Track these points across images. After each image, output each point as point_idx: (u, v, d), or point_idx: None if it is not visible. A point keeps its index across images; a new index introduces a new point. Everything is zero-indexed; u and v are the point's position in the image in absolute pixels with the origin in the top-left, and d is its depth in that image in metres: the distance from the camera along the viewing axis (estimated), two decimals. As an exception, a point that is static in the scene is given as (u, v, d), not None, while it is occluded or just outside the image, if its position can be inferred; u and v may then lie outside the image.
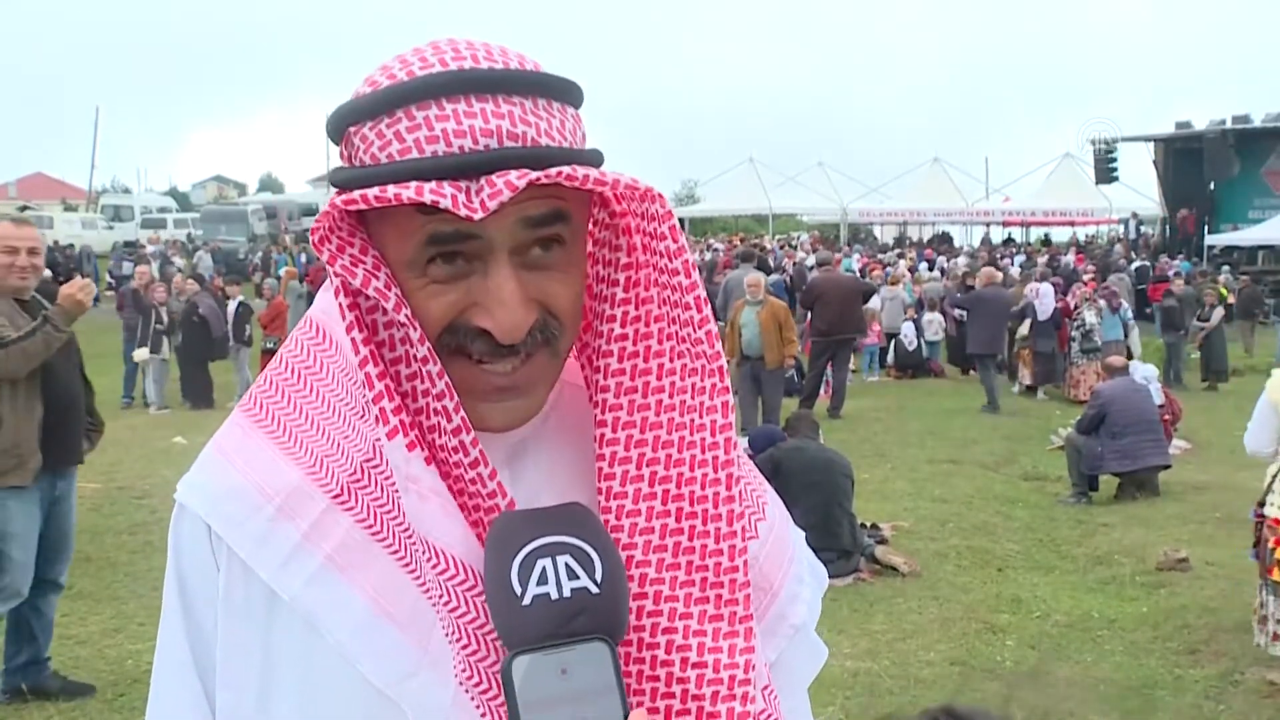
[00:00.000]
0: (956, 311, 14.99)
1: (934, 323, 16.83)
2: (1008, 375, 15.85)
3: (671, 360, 0.86)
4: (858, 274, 19.32)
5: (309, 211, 40.70)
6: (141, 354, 13.75)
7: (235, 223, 36.64)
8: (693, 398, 0.85)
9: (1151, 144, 30.74)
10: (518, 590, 0.76)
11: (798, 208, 38.11)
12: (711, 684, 0.82)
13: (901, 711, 4.70)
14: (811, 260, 20.49)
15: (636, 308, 0.87)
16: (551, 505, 0.83)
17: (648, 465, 0.85)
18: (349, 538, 0.84)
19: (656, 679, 0.83)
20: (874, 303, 15.58)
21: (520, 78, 0.80)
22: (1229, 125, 27.87)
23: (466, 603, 0.81)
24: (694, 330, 0.84)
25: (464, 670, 0.81)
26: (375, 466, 0.86)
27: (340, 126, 0.83)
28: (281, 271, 21.15)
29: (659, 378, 0.86)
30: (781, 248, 28.52)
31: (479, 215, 0.75)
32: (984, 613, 6.10)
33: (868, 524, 7.28)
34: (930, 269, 24.33)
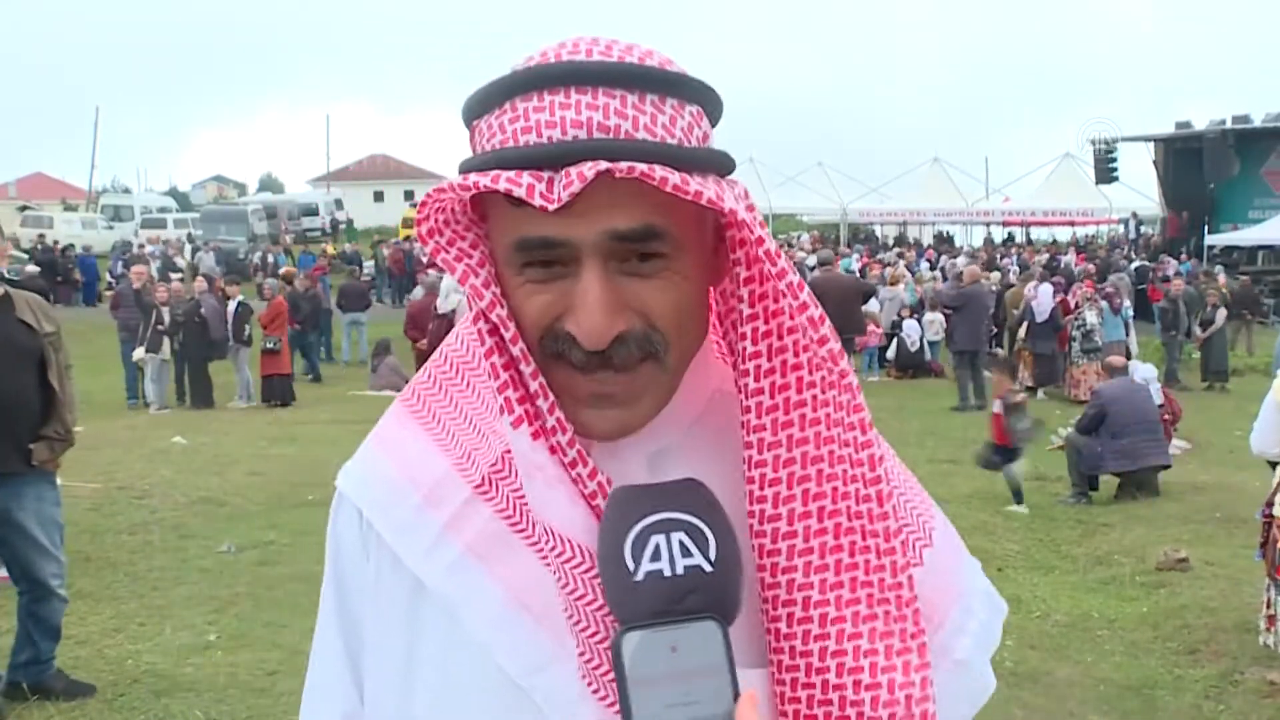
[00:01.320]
0: (945, 310, 15.05)
1: (934, 323, 16.85)
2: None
3: (811, 373, 0.82)
4: (857, 274, 19.36)
5: (309, 211, 40.75)
6: (139, 354, 13.77)
7: (235, 223, 36.61)
8: (835, 412, 0.82)
9: (1151, 144, 30.71)
10: (630, 566, 0.76)
11: (798, 208, 38.07)
12: (888, 705, 0.80)
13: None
14: (812, 260, 20.48)
15: (766, 321, 0.83)
16: (668, 481, 0.81)
17: (799, 484, 0.82)
18: (487, 528, 0.86)
19: (829, 702, 0.81)
20: (872, 304, 15.60)
21: (624, 70, 0.77)
22: (1229, 125, 27.85)
23: (590, 588, 0.80)
24: (818, 347, 0.82)
25: (585, 655, 0.80)
26: (513, 456, 0.86)
27: (467, 121, 0.83)
28: (281, 271, 21.13)
29: (799, 391, 0.82)
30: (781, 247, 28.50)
31: (553, 206, 0.73)
32: (984, 613, 6.09)
33: (868, 524, 7.28)
34: (931, 269, 24.35)
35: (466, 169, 0.79)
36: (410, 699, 0.87)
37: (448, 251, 0.82)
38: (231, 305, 14.78)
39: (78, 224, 35.30)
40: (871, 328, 16.51)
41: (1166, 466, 9.06)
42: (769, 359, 0.83)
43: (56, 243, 29.10)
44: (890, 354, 16.88)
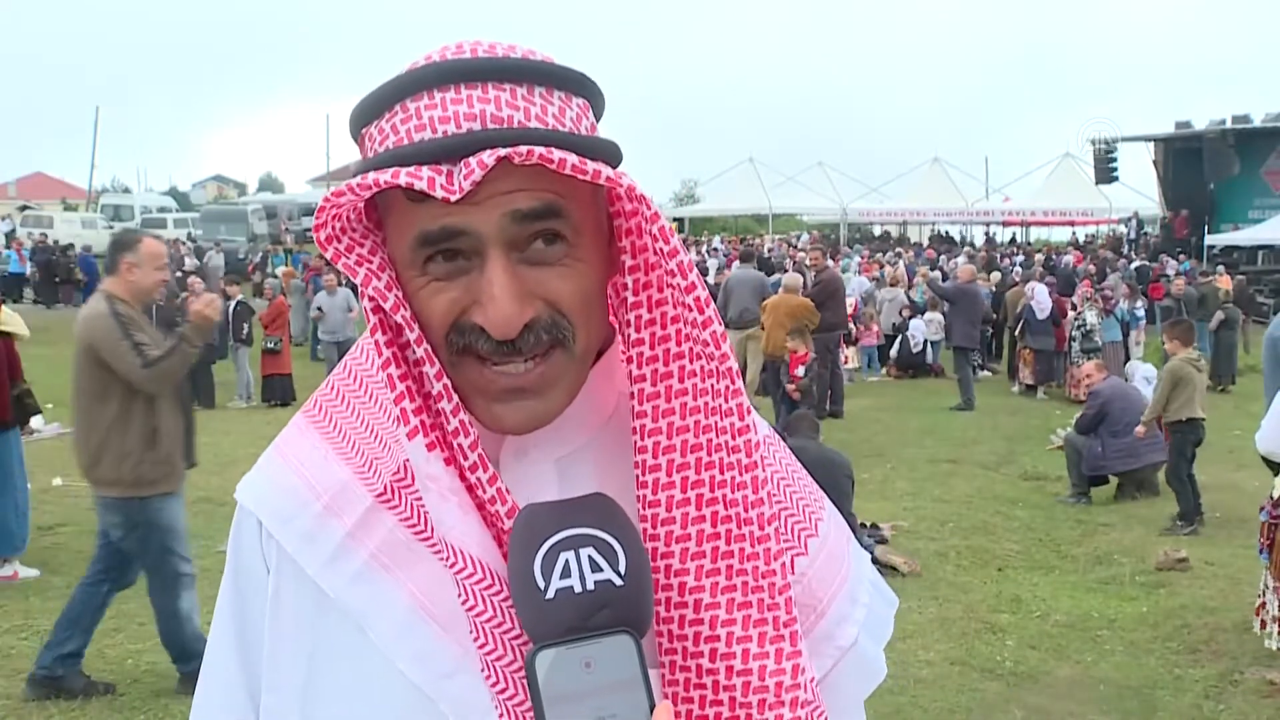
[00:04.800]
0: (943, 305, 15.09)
1: (934, 322, 16.83)
2: (1007, 375, 15.87)
3: (691, 362, 0.83)
4: (855, 274, 19.41)
5: (309, 211, 40.65)
6: None
7: (235, 223, 36.63)
8: (714, 399, 0.82)
9: (1151, 144, 30.74)
10: (540, 584, 0.76)
11: (798, 207, 38.14)
12: (758, 691, 0.80)
13: (902, 712, 4.70)
14: (807, 260, 20.46)
15: (650, 310, 0.84)
16: (575, 496, 0.81)
17: (678, 471, 0.83)
18: (392, 537, 0.86)
19: (704, 686, 0.81)
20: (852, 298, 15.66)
21: (513, 64, 0.78)
22: (1229, 125, 27.88)
23: (485, 602, 0.80)
24: (700, 331, 0.82)
25: (485, 672, 0.80)
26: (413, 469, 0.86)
27: (356, 129, 0.83)
28: (279, 270, 21.10)
29: (681, 380, 0.83)
30: (780, 246, 28.48)
31: (455, 196, 0.74)
32: (984, 613, 6.10)
33: (868, 524, 7.28)
34: (932, 269, 24.34)
35: (361, 173, 0.78)
36: (313, 712, 0.86)
37: (348, 257, 0.81)
38: (230, 305, 14.77)
39: (78, 224, 35.27)
40: (872, 326, 16.52)
41: (1165, 462, 9.04)
42: (651, 347, 0.84)
43: (56, 241, 28.98)
44: (893, 353, 16.87)
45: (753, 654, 0.81)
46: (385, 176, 0.75)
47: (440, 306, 0.80)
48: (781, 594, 0.82)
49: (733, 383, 0.82)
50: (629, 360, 0.85)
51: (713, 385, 0.82)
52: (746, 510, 0.82)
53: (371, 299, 0.82)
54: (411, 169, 0.74)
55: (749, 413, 0.83)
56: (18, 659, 5.02)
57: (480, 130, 0.75)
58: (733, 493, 0.82)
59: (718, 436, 0.82)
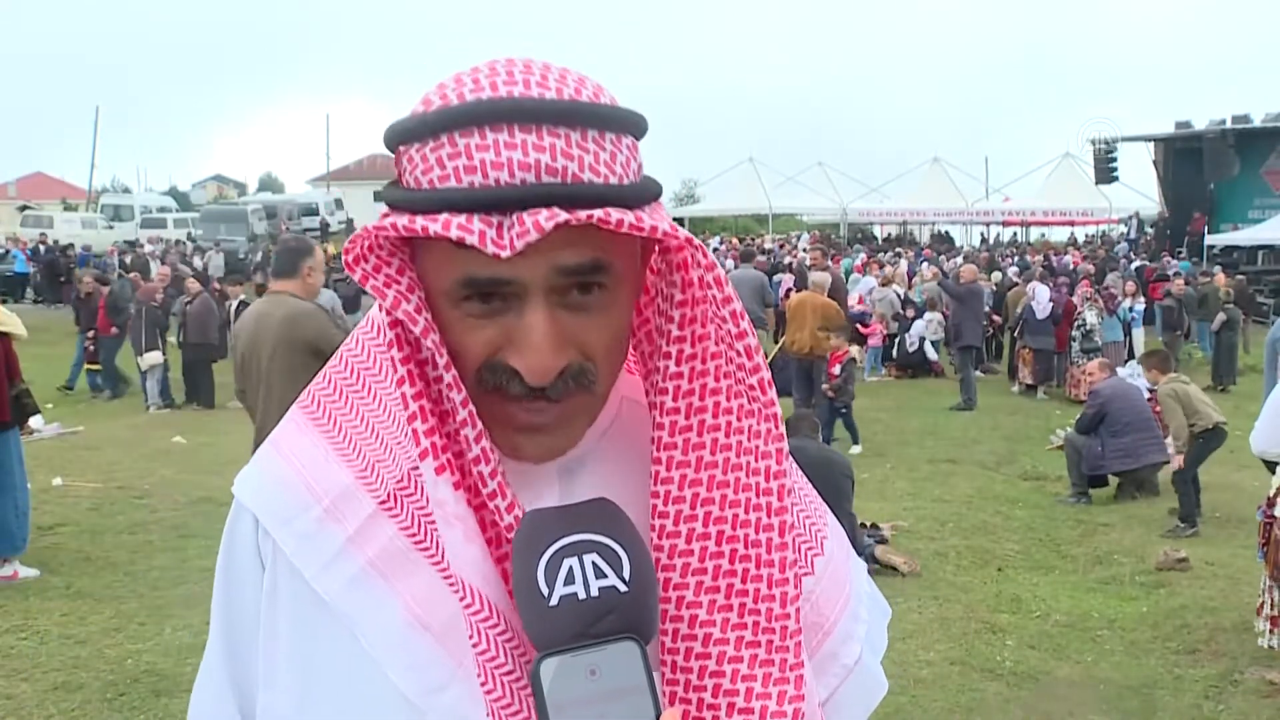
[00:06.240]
0: (949, 304, 15.14)
1: (934, 322, 16.82)
2: (1007, 375, 15.87)
3: (729, 399, 0.84)
4: (857, 274, 19.43)
5: (309, 211, 40.75)
6: (154, 356, 13.72)
7: (235, 223, 36.58)
8: (749, 440, 0.83)
9: (1151, 144, 30.75)
10: (544, 591, 0.75)
11: (798, 207, 38.16)
12: None
13: (902, 712, 4.70)
14: (808, 260, 20.44)
15: (692, 345, 0.84)
16: (578, 502, 0.81)
17: (702, 505, 0.83)
18: (392, 545, 0.85)
19: (702, 719, 0.82)
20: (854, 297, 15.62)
21: (570, 108, 0.77)
22: (1229, 125, 27.88)
23: (482, 636, 0.79)
24: (747, 376, 0.83)
25: (485, 684, 0.79)
26: (421, 475, 0.85)
27: (393, 144, 0.82)
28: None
29: (715, 416, 0.84)
30: (781, 246, 28.49)
31: (506, 254, 0.73)
32: (984, 613, 6.10)
33: (868, 524, 7.28)
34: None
35: (405, 203, 0.78)
36: (306, 715, 0.86)
37: (375, 278, 0.80)
38: (232, 305, 14.77)
39: (78, 224, 35.29)
40: (876, 326, 16.51)
41: (1166, 462, 9.05)
42: (689, 380, 0.84)
43: (56, 241, 28.93)
44: (893, 353, 16.88)
45: (756, 693, 0.81)
46: (436, 226, 0.74)
47: (476, 344, 0.80)
48: (792, 638, 0.82)
49: (776, 427, 0.83)
50: (663, 392, 0.85)
51: (751, 426, 0.83)
52: (769, 552, 0.82)
53: (400, 321, 0.81)
54: (463, 219, 0.74)
55: (787, 458, 0.84)
56: (17, 659, 5.03)
57: (535, 183, 0.74)
58: (756, 533, 0.82)
59: (748, 477, 0.83)
